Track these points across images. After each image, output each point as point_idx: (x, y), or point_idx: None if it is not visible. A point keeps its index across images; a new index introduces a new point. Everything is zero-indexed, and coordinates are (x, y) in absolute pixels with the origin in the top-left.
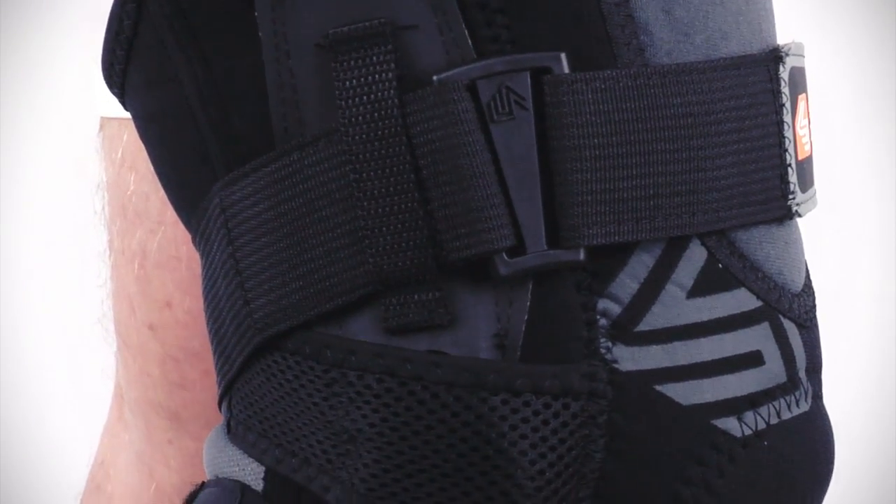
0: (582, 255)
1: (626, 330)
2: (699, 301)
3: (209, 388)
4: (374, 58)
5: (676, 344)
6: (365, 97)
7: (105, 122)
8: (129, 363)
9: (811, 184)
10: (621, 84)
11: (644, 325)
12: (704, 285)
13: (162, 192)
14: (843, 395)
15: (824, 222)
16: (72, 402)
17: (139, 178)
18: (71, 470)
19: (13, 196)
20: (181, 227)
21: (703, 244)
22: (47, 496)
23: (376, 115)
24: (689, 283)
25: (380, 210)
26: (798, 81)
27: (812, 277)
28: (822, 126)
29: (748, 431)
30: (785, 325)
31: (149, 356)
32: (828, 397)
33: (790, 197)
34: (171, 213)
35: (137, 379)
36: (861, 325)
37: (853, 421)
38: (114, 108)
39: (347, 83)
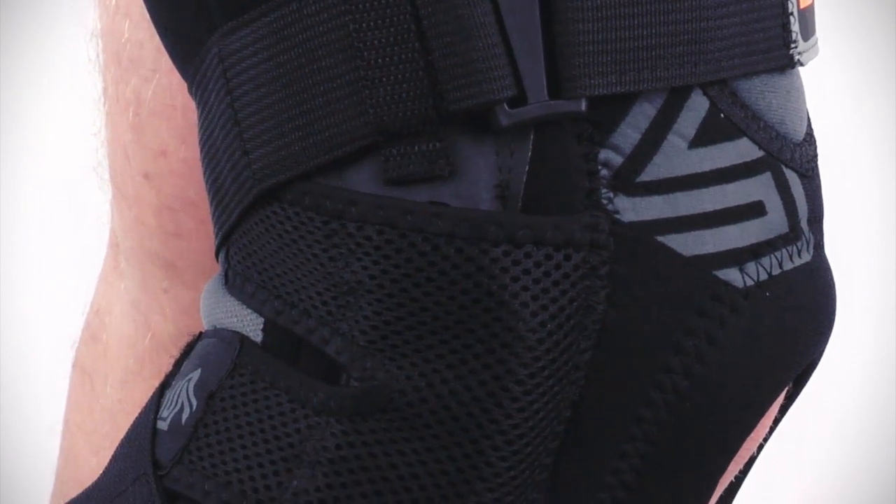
0: (583, 106)
1: (627, 180)
2: (701, 151)
3: (205, 237)
4: None
5: (678, 194)
6: None
7: None
8: (125, 212)
9: (813, 32)
10: None
11: (646, 176)
12: (706, 135)
13: (157, 40)
14: (843, 394)
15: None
16: (68, 250)
17: (133, 25)
18: (67, 319)
19: (9, 46)
20: (176, 75)
21: (704, 94)
22: (45, 346)
23: None
24: (691, 133)
25: (380, 60)
26: None
27: None
28: (822, 126)
29: (750, 282)
30: (787, 174)
31: (144, 205)
32: (828, 397)
33: (792, 46)
34: (166, 61)
35: (133, 228)
36: (861, 325)
37: (853, 420)
38: None
39: None
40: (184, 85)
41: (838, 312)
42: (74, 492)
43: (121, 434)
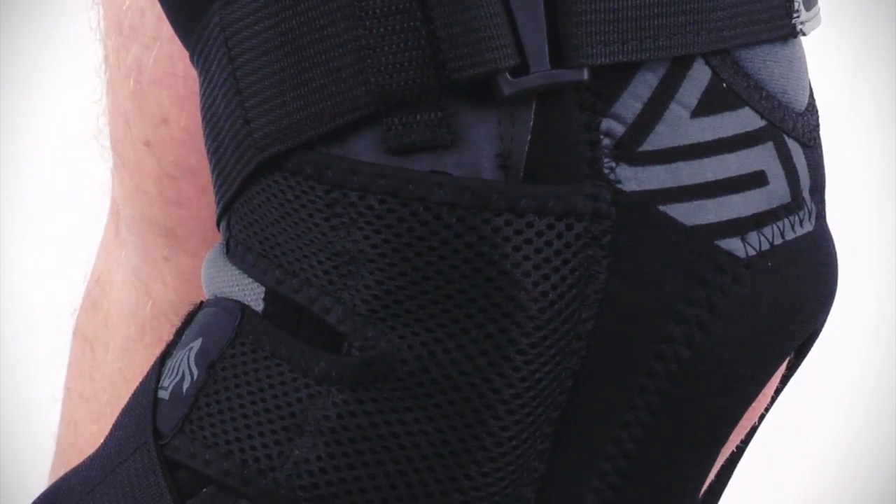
0: (585, 75)
1: (629, 150)
2: (703, 121)
3: (206, 205)
4: None
5: (680, 164)
6: None
7: None
8: (126, 180)
9: (815, 2)
10: None
11: (647, 145)
12: (708, 105)
13: (158, 8)
14: (842, 395)
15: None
16: (68, 218)
17: None
18: (68, 287)
19: (10, 13)
20: (178, 43)
21: (707, 64)
22: (45, 314)
23: None
24: (693, 102)
25: (382, 29)
26: None
27: None
28: (824, 95)
29: (752, 252)
30: (789, 144)
31: (145, 173)
32: (827, 398)
33: (794, 15)
34: (167, 29)
35: (134, 196)
36: (863, 294)
37: (853, 420)
38: None
39: None
40: (185, 53)
41: (840, 282)
42: (75, 459)
43: (121, 402)
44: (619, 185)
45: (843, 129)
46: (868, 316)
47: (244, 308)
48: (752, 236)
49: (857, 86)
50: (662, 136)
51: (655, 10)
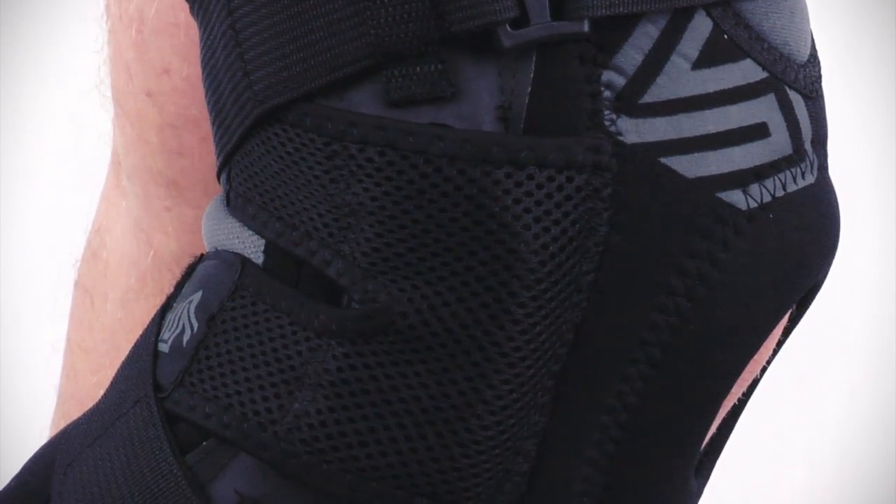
0: (586, 27)
1: (630, 102)
2: (704, 72)
3: (207, 155)
4: None
5: (681, 116)
6: None
7: None
8: (127, 130)
9: None
10: None
11: (648, 97)
12: (710, 56)
13: None
14: (841, 394)
15: None
16: (70, 168)
17: None
18: (69, 237)
19: None
20: None
21: (708, 15)
22: (47, 264)
23: None
24: (695, 54)
25: None
26: None
27: None
28: (826, 46)
29: (753, 204)
30: (791, 96)
31: (146, 123)
32: (826, 398)
33: None
34: None
35: (135, 146)
36: (865, 244)
37: (853, 420)
38: None
39: None
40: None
41: (842, 233)
42: (75, 410)
43: (120, 353)
44: (620, 138)
45: (844, 80)
46: (870, 269)
47: (244, 261)
48: (754, 188)
49: (858, 37)
50: (663, 88)
51: None
